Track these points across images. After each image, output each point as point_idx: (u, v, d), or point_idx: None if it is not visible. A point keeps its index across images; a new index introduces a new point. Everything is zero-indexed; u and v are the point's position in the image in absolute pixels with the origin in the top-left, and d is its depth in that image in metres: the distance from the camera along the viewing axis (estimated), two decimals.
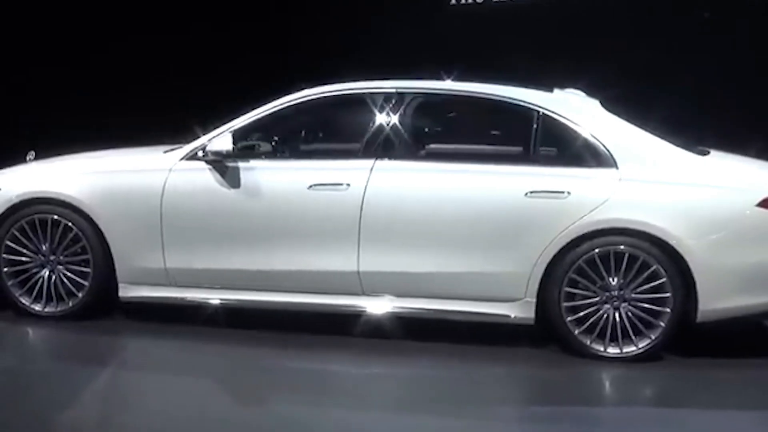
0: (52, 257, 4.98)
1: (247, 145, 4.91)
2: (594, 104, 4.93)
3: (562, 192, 4.57)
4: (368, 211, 4.67)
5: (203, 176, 4.83)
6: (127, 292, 4.93)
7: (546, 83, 5.02)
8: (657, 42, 7.55)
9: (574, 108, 4.84)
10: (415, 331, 4.76)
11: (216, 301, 4.86)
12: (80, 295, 4.95)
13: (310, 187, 4.73)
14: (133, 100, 7.98)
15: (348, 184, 4.70)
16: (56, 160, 5.37)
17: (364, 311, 4.75)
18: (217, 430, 3.68)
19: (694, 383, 4.42)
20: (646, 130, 4.82)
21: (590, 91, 5.13)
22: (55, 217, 4.93)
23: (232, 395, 4.14)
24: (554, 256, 4.56)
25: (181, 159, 4.90)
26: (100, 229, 4.89)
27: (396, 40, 7.70)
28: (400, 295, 4.72)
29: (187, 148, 4.93)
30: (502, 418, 3.94)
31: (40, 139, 5.92)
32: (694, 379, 4.46)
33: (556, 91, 5.01)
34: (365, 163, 4.75)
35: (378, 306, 4.74)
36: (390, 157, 4.77)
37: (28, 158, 5.78)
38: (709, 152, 5.07)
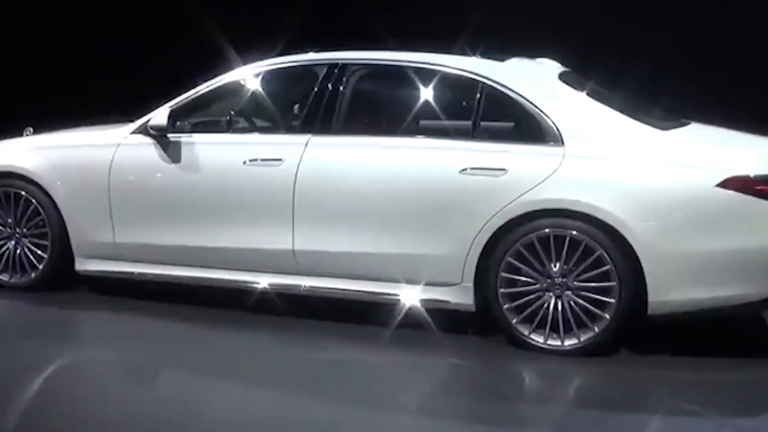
0: (17, 230, 5.12)
1: (200, 121, 4.84)
2: (551, 75, 4.50)
3: (498, 169, 4.21)
4: (301, 189, 4.49)
5: (147, 151, 4.80)
6: (82, 265, 5.00)
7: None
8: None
9: (524, 79, 4.44)
10: (361, 313, 4.55)
11: (161, 276, 4.83)
12: (40, 267, 5.06)
13: (246, 162, 4.59)
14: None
15: (282, 160, 4.53)
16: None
17: (301, 291, 4.59)
18: (136, 401, 3.66)
19: (636, 382, 3.97)
20: (609, 103, 4.37)
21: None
22: (17, 190, 5.05)
23: (157, 371, 4.11)
24: (490, 239, 4.22)
25: (130, 134, 4.89)
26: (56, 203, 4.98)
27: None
28: (335, 275, 4.52)
29: (138, 122, 4.91)
30: (404, 410, 3.65)
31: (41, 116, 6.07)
32: (639, 377, 4.02)
33: (513, 60, 4.61)
34: (301, 138, 4.57)
35: (314, 286, 4.56)
36: (326, 132, 4.55)
37: (25, 134, 5.96)
38: (686, 124, 4.57)
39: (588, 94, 4.40)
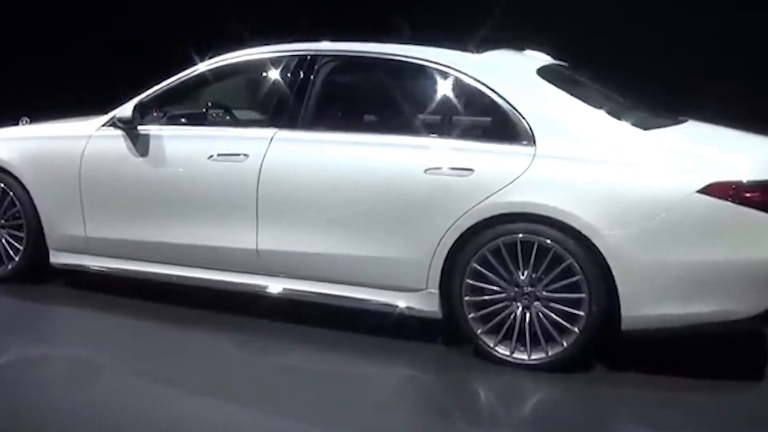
0: None
1: (170, 113, 4.70)
2: (529, 70, 4.18)
3: (465, 169, 3.94)
4: (264, 186, 4.29)
5: (116, 144, 4.67)
6: (56, 258, 4.92)
7: None
8: None
9: (499, 73, 4.14)
10: (326, 317, 4.34)
11: (129, 272, 4.72)
12: (16, 259, 5.01)
13: (211, 157, 4.43)
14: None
15: (246, 155, 4.35)
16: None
17: (265, 292, 4.40)
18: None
19: (603, 403, 3.67)
20: (591, 100, 4.05)
21: None
22: None
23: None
24: (455, 243, 3.95)
25: (102, 126, 4.78)
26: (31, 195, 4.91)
27: None
28: (298, 277, 4.32)
29: (110, 114, 4.79)
30: (333, 426, 3.44)
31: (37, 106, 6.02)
32: (608, 397, 3.71)
33: (492, 53, 4.32)
34: (267, 133, 4.37)
35: (278, 288, 4.37)
36: (291, 127, 4.34)
37: (21, 124, 5.93)
38: (680, 122, 4.23)
39: (567, 91, 4.07)
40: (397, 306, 4.11)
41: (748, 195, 3.60)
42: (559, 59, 4.67)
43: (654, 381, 3.79)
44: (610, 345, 3.85)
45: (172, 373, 3.88)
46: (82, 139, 4.78)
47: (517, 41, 4.67)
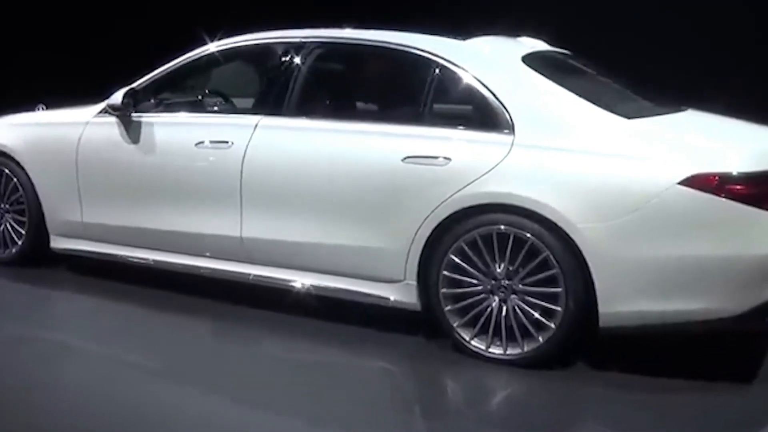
0: (2, 205, 5.17)
1: (163, 101, 4.72)
2: (514, 57, 4.03)
3: (442, 158, 3.83)
4: (248, 173, 4.26)
5: (111, 131, 4.71)
6: (56, 243, 4.99)
7: None
8: None
9: (482, 60, 4.01)
10: (308, 306, 4.28)
11: (124, 258, 4.76)
12: (19, 243, 5.10)
13: (198, 144, 4.42)
14: None
15: (231, 143, 4.32)
16: None
17: (249, 280, 4.37)
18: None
19: (577, 403, 3.54)
20: (576, 87, 3.88)
21: None
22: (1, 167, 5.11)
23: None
24: (432, 234, 3.85)
25: (99, 113, 4.81)
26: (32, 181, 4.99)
27: None
28: (281, 265, 4.28)
29: (106, 101, 4.83)
30: (296, 416, 3.37)
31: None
32: (583, 397, 3.58)
33: (477, 39, 4.18)
34: (251, 120, 4.34)
35: (260, 275, 4.33)
36: (275, 114, 4.30)
37: (37, 111, 6.04)
38: (677, 111, 4.06)
39: (553, 78, 3.91)
40: (376, 297, 4.04)
41: (733, 187, 3.41)
42: (562, 47, 4.52)
43: (634, 381, 3.63)
44: (594, 342, 3.70)
45: (149, 361, 3.88)
46: (80, 125, 4.84)
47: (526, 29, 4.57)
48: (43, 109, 6.00)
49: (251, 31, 4.58)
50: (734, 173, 3.44)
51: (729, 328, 3.54)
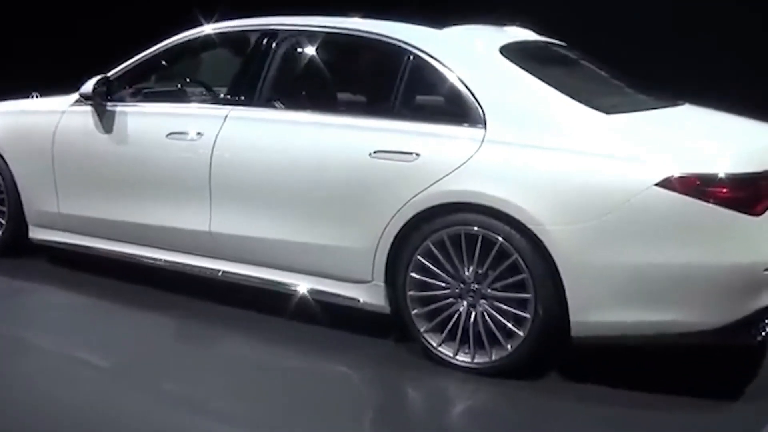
0: None
1: (138, 90, 4.59)
2: (491, 48, 3.79)
3: (410, 153, 3.62)
4: (217, 166, 4.11)
5: (85, 120, 4.58)
6: (35, 234, 4.90)
7: None
8: None
9: (457, 50, 3.78)
10: (277, 304, 4.10)
11: (98, 250, 4.64)
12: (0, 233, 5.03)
13: (169, 135, 4.27)
14: None
15: (201, 134, 4.17)
16: None
17: (218, 276, 4.22)
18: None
19: (543, 419, 3.29)
20: (555, 80, 3.63)
21: None
22: None
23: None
24: (399, 233, 3.65)
25: (75, 102, 4.69)
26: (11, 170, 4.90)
27: None
28: (250, 262, 4.12)
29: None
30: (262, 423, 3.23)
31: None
32: (551, 411, 3.32)
33: (455, 28, 3.95)
34: (221, 111, 4.18)
35: (229, 272, 4.18)
36: (245, 105, 4.13)
37: (31, 98, 5.96)
38: (673, 105, 3.82)
39: (533, 71, 3.66)
40: (346, 297, 3.86)
41: (715, 190, 3.15)
42: (570, 41, 4.28)
43: (607, 394, 3.39)
44: (569, 351, 3.47)
45: (100, 356, 3.80)
46: (56, 114, 4.72)
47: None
48: (36, 96, 5.93)
49: (241, 17, 4.41)
50: (718, 175, 3.18)
51: (710, 342, 3.28)
